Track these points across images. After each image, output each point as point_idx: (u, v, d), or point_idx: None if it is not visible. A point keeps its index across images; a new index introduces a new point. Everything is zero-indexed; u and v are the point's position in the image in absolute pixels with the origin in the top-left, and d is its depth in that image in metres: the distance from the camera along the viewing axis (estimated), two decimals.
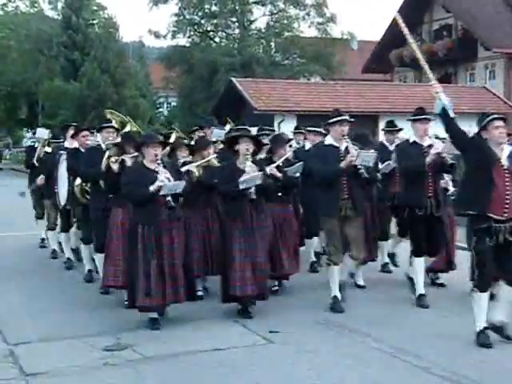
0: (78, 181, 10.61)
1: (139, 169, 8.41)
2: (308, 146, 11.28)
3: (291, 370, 6.87)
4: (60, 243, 12.85)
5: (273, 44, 48.30)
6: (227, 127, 12.79)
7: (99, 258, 9.85)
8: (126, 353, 7.43)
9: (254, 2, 47.97)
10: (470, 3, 40.30)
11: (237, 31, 48.31)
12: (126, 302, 8.74)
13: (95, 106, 41.13)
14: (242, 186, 8.47)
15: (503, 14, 40.86)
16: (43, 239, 13.99)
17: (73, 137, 11.43)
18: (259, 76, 39.25)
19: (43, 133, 14.03)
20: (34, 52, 49.54)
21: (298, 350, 7.42)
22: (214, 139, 11.03)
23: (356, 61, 48.99)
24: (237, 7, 46.94)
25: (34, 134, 14.89)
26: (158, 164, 8.25)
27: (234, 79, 34.12)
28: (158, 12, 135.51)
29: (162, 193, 8.05)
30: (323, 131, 10.76)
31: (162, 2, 47.31)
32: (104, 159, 9.27)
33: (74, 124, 12.95)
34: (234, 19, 47.78)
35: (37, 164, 13.32)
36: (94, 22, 50.78)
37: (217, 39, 48.99)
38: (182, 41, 48.18)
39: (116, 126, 9.82)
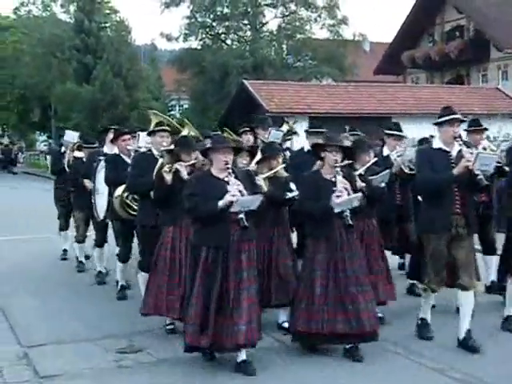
0: (118, 192, 9.37)
1: (206, 179, 7.03)
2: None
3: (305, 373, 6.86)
4: (86, 256, 12.38)
5: (284, 46, 48.26)
6: (284, 128, 11.35)
7: (143, 278, 8.64)
8: (140, 355, 7.45)
9: (266, 5, 47.98)
10: (482, 4, 40.23)
11: (248, 33, 48.32)
12: (167, 327, 8.28)
13: (108, 109, 41.31)
14: (337, 210, 7.15)
15: None
16: (65, 250, 13.18)
17: (112, 141, 10.48)
18: (271, 78, 39.23)
19: (72, 136, 13.03)
20: (47, 55, 49.69)
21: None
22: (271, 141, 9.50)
23: (368, 62, 48.97)
24: (248, 9, 46.96)
25: (61, 136, 13.93)
26: (229, 173, 6.91)
27: (245, 81, 34.12)
28: (169, 15, 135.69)
29: (233, 209, 6.73)
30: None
31: (174, 5, 47.39)
32: (156, 168, 8.13)
33: (114, 127, 11.52)
34: (246, 21, 47.79)
35: (68, 170, 12.35)
36: (107, 25, 50.92)
37: (228, 41, 48.99)
38: (194, 43, 48.27)
39: (169, 129, 8.70)
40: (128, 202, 9.31)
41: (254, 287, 6.94)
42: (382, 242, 8.44)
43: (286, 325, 8.08)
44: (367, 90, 34.13)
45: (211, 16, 47.60)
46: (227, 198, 6.73)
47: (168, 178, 7.76)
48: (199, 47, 47.89)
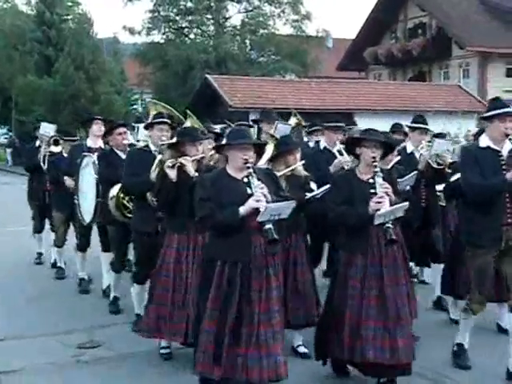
0: (114, 192, 8.24)
1: (221, 180, 5.78)
2: (323, 144, 8.92)
3: None
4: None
5: (248, 41, 48.24)
6: (292, 121, 10.47)
7: (137, 290, 7.92)
8: (99, 350, 7.42)
9: None
10: (444, 2, 40.56)
11: (212, 28, 48.24)
12: (162, 351, 7.23)
13: (69, 102, 40.97)
14: (377, 221, 5.88)
15: (477, 13, 41.16)
16: (40, 254, 12.17)
17: (106, 135, 9.16)
18: (234, 73, 39.22)
19: (49, 128, 11.66)
20: (8, 47, 49.10)
21: None
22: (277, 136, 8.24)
23: (331, 58, 49.13)
24: (212, 4, 46.87)
25: (36, 128, 12.25)
26: (251, 174, 5.66)
27: (209, 76, 34.10)
28: (132, 8, 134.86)
29: (260, 218, 5.47)
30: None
31: None
32: (154, 166, 7.29)
33: (99, 118, 10.12)
34: (209, 16, 47.70)
35: (44, 166, 11.13)
36: (69, 17, 50.39)
37: (192, 36, 48.84)
38: (157, 37, 48.06)
39: (169, 121, 7.76)
40: (125, 202, 8.21)
41: (283, 309, 5.88)
42: (407, 252, 6.49)
43: (302, 349, 7.19)
44: (330, 86, 34.27)
45: (174, 10, 47.45)
46: (251, 203, 5.51)
47: (172, 174, 6.69)
48: (162, 41, 47.71)
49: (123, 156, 8.52)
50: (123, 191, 8.10)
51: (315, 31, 48.20)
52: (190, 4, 47.24)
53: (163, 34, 47.92)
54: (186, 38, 48.15)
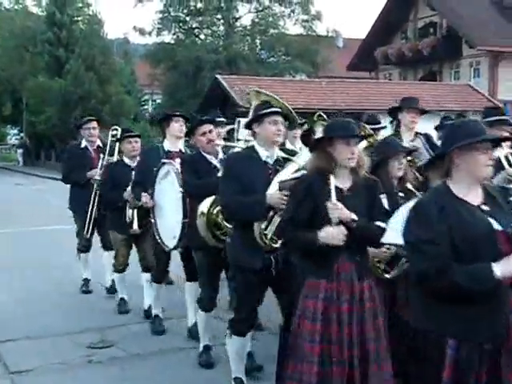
0: (204, 207, 6.49)
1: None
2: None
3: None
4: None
5: (258, 41, 48.27)
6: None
7: (236, 345, 6.03)
8: (111, 350, 7.42)
9: (240, 0, 47.95)
10: (454, 1, 40.43)
11: (222, 28, 48.28)
12: None
13: (80, 103, 41.07)
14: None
15: (488, 12, 41.00)
16: (87, 280, 10.11)
17: (188, 134, 7.38)
18: (244, 73, 39.20)
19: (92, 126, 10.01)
20: (19, 49, 49.29)
21: None
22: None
23: (341, 58, 49.07)
24: (222, 4, 46.89)
25: (80, 126, 10.15)
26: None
27: (219, 76, 34.06)
28: (142, 9, 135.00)
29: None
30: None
31: None
32: (275, 182, 5.50)
33: (180, 114, 8.02)
34: (220, 16, 47.74)
35: (98, 178, 9.42)
36: (79, 18, 50.53)
37: (202, 36, 48.89)
38: (167, 38, 48.16)
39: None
40: (219, 221, 6.43)
41: None
42: None
43: None
44: (341, 86, 34.20)
45: (185, 10, 47.50)
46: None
47: (336, 214, 4.71)
48: (172, 42, 47.77)
49: (215, 162, 6.87)
50: (216, 206, 6.36)
51: (325, 31, 48.33)
52: (200, 4, 47.28)
53: (173, 34, 48.01)
54: (197, 39, 48.19)
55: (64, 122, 41.84)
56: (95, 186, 9.51)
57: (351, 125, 4.91)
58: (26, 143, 52.96)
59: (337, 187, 4.75)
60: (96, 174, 9.57)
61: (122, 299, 8.94)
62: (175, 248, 7.29)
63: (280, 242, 5.41)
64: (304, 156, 5.53)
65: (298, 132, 7.98)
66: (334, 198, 4.68)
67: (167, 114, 8.05)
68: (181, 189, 6.82)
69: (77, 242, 10.17)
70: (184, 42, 46.99)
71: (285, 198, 5.21)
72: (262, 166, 5.59)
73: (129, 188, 8.14)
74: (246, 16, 48.49)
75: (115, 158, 9.36)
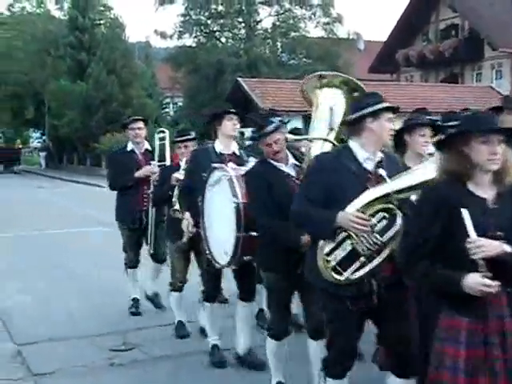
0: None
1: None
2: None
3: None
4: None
5: (279, 44, 48.28)
6: None
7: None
8: (133, 353, 7.42)
9: (261, 3, 47.94)
10: (476, 3, 40.26)
11: (243, 31, 48.30)
12: None
13: (101, 106, 41.28)
14: None
15: (510, 14, 40.80)
16: (136, 301, 9.03)
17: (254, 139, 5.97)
18: (265, 76, 39.23)
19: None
20: (41, 52, 49.67)
21: None
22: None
23: (362, 61, 48.97)
24: (243, 7, 46.92)
25: (127, 125, 8.96)
26: None
27: (240, 79, 34.13)
28: (164, 12, 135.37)
29: None
30: None
31: (169, 2, 47.41)
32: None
33: (233, 111, 7.00)
34: (241, 19, 47.77)
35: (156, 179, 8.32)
36: (101, 22, 50.85)
37: (223, 39, 48.95)
38: (188, 41, 48.26)
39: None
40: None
41: None
42: None
43: None
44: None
45: (206, 14, 47.58)
46: None
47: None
48: (194, 45, 47.86)
49: (286, 168, 5.73)
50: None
51: (346, 34, 48.16)
52: (221, 8, 47.34)
53: (194, 37, 48.10)
54: (218, 42, 48.26)
55: (86, 125, 42.11)
56: (150, 193, 8.49)
57: (491, 118, 3.95)
58: (49, 146, 53.27)
59: (478, 197, 3.85)
60: (154, 175, 8.46)
61: (179, 322, 7.96)
62: (228, 265, 6.33)
63: (345, 276, 4.50)
64: (429, 166, 4.39)
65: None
66: (472, 233, 3.70)
67: (219, 112, 7.01)
68: (234, 198, 5.94)
69: (124, 257, 9.03)
70: (205, 46, 47.07)
71: (361, 222, 4.38)
72: (358, 170, 4.60)
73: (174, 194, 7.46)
74: (266, 19, 48.55)
75: (168, 161, 8.58)
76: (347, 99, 5.58)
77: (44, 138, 56.00)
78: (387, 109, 4.73)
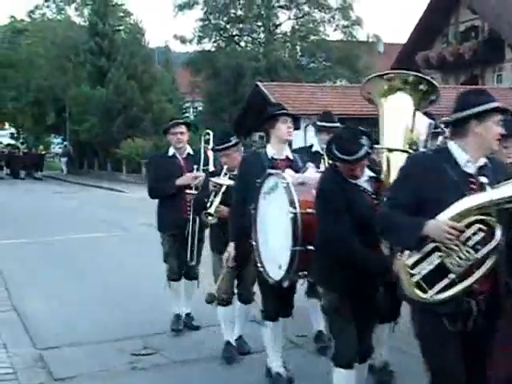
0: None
1: None
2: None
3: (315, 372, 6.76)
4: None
5: (298, 48, 48.32)
6: None
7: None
8: (154, 357, 7.42)
9: (280, 6, 48.02)
10: (496, 4, 40.04)
11: (262, 35, 48.38)
12: None
13: (122, 112, 41.45)
14: None
15: None
16: (178, 317, 8.41)
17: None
18: (285, 80, 39.21)
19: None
20: (61, 58, 49.95)
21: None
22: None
23: (382, 64, 48.77)
24: (262, 11, 46.99)
25: (166, 131, 8.36)
26: None
27: (259, 83, 34.12)
28: (183, 17, 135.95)
29: None
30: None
31: (188, 7, 47.56)
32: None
33: (287, 112, 6.42)
34: (260, 23, 47.86)
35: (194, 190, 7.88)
36: (121, 28, 51.10)
37: (242, 44, 49.05)
38: (208, 46, 48.44)
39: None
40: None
41: None
42: None
43: None
44: None
45: (225, 18, 47.71)
46: None
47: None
48: (213, 49, 48.02)
49: (363, 183, 5.17)
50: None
51: (366, 36, 48.14)
52: (240, 12, 47.46)
53: (214, 42, 48.26)
54: (237, 46, 48.36)
55: (106, 131, 42.29)
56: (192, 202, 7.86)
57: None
58: (70, 152, 53.51)
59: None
60: (195, 181, 7.92)
61: (228, 343, 7.25)
62: (282, 281, 5.72)
63: (430, 294, 3.94)
64: None
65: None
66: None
67: (273, 113, 6.34)
68: (291, 208, 5.46)
69: (166, 269, 8.36)
70: (224, 50, 47.18)
71: (454, 232, 3.87)
72: (456, 174, 4.07)
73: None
74: (285, 23, 48.63)
75: (211, 167, 8.03)
76: (414, 96, 5.40)
77: (65, 143, 56.28)
78: (495, 110, 4.14)
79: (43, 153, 53.14)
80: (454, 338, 4.05)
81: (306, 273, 5.60)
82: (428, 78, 5.40)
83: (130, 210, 23.12)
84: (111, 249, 14.46)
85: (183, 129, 8.24)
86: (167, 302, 8.50)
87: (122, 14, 54.16)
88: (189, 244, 8.04)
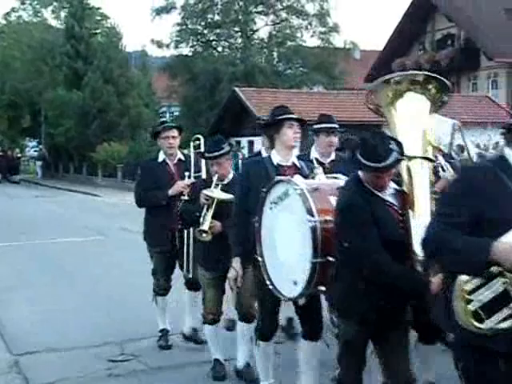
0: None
1: None
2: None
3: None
4: None
5: (275, 53, 48.43)
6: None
7: None
8: (131, 363, 7.39)
9: (257, 12, 48.10)
10: (472, 13, 40.38)
11: (239, 41, 48.46)
12: None
13: (98, 116, 41.33)
14: None
15: (506, 24, 40.92)
16: (165, 332, 8.03)
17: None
18: (262, 85, 39.28)
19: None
20: (37, 61, 49.68)
21: None
22: None
23: (359, 70, 49.05)
24: (240, 17, 47.06)
25: (157, 135, 7.91)
26: None
27: (236, 89, 34.18)
28: (160, 22, 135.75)
29: None
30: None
31: (165, 12, 47.52)
32: None
33: (295, 117, 5.95)
34: (237, 29, 47.92)
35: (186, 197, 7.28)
36: (97, 31, 50.95)
37: (219, 49, 49.11)
38: (185, 50, 48.46)
39: None
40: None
41: None
42: None
43: None
44: (359, 98, 34.20)
45: (202, 23, 47.73)
46: None
47: None
48: (190, 54, 48.04)
49: (387, 197, 4.72)
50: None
51: (343, 43, 48.35)
52: (217, 17, 47.50)
53: (191, 47, 48.30)
54: (214, 51, 48.41)
55: (82, 135, 42.14)
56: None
57: None
58: (45, 155, 53.21)
59: None
60: (184, 190, 7.39)
61: (216, 361, 6.92)
62: (299, 297, 5.24)
63: (488, 324, 3.30)
64: None
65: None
66: None
67: (278, 118, 5.88)
68: (309, 217, 4.94)
69: (153, 283, 7.95)
70: (202, 55, 47.21)
71: None
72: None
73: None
74: (263, 28, 48.74)
75: (204, 174, 7.56)
76: (426, 95, 5.09)
77: (40, 147, 55.94)
78: None
79: (19, 156, 52.75)
80: (506, 380, 3.45)
81: (323, 288, 5.04)
82: (440, 77, 5.09)
83: (107, 214, 23.09)
84: (89, 253, 14.41)
85: (175, 133, 7.77)
86: (146, 308, 8.34)
87: (99, 18, 54.01)
88: (184, 258, 7.56)
